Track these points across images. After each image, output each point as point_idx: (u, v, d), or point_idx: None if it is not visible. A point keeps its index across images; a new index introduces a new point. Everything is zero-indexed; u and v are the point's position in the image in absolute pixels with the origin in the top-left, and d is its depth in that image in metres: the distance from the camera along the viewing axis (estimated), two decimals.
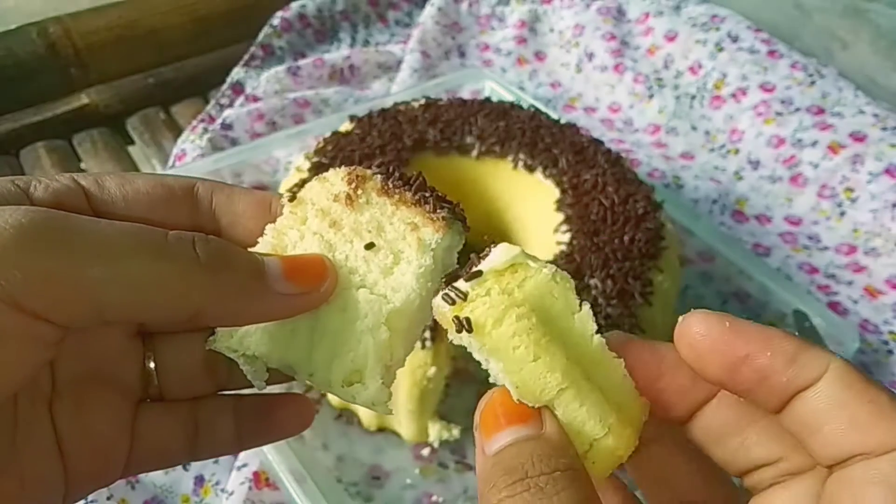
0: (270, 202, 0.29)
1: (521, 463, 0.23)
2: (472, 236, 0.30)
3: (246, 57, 0.94)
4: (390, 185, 0.29)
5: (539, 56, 1.03)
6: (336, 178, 0.30)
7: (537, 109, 0.71)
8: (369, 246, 0.28)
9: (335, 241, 0.28)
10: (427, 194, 0.28)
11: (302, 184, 0.62)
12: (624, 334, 0.27)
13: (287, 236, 0.28)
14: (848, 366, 0.23)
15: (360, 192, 0.29)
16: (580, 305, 0.26)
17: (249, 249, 0.28)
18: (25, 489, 0.24)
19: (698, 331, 0.24)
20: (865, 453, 0.22)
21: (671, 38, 0.97)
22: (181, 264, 0.23)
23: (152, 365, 0.29)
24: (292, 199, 0.29)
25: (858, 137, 0.81)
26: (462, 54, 1.03)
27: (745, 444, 0.26)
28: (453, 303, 0.25)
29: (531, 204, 0.64)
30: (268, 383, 0.28)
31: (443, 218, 0.28)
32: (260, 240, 0.29)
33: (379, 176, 0.29)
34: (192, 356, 0.29)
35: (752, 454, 0.26)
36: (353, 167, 0.30)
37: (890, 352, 0.67)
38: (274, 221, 0.29)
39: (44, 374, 0.26)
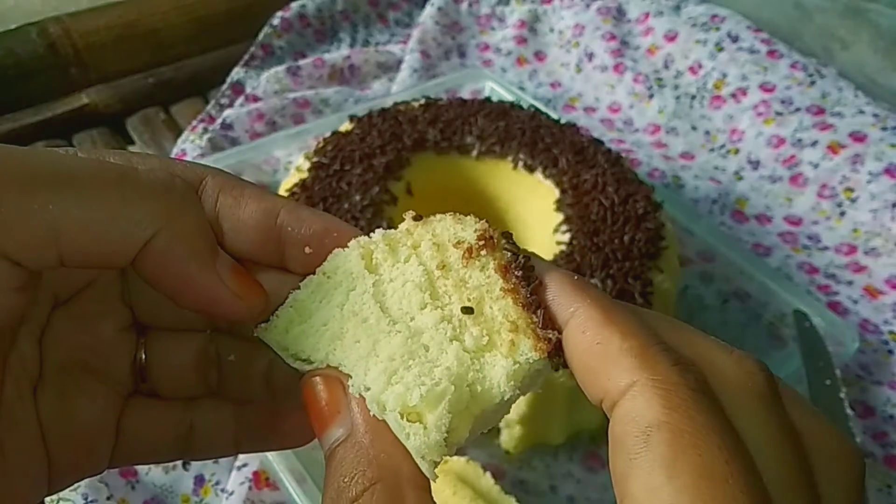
0: (278, 213, 0.27)
1: (342, 475, 0.22)
2: None
3: (246, 57, 0.94)
4: (512, 269, 0.25)
5: (539, 56, 1.03)
6: (469, 224, 0.27)
7: (537, 109, 0.71)
8: (467, 310, 0.25)
9: (438, 283, 0.26)
10: (542, 307, 0.24)
11: (301, 184, 0.62)
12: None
13: (398, 253, 0.26)
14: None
15: (483, 252, 0.26)
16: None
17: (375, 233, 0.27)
18: (8, 477, 0.23)
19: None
20: (610, 398, 0.21)
21: (671, 38, 0.97)
22: (137, 194, 0.23)
23: (143, 356, 0.28)
24: (418, 217, 0.27)
25: (858, 137, 0.81)
26: (462, 54, 1.02)
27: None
28: None
29: (531, 204, 0.64)
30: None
31: (548, 339, 0.23)
32: (372, 235, 0.27)
33: (509, 252, 0.26)
34: (184, 356, 0.29)
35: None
36: (493, 228, 0.26)
37: (890, 352, 0.67)
38: (279, 233, 0.27)
39: (31, 358, 0.25)
